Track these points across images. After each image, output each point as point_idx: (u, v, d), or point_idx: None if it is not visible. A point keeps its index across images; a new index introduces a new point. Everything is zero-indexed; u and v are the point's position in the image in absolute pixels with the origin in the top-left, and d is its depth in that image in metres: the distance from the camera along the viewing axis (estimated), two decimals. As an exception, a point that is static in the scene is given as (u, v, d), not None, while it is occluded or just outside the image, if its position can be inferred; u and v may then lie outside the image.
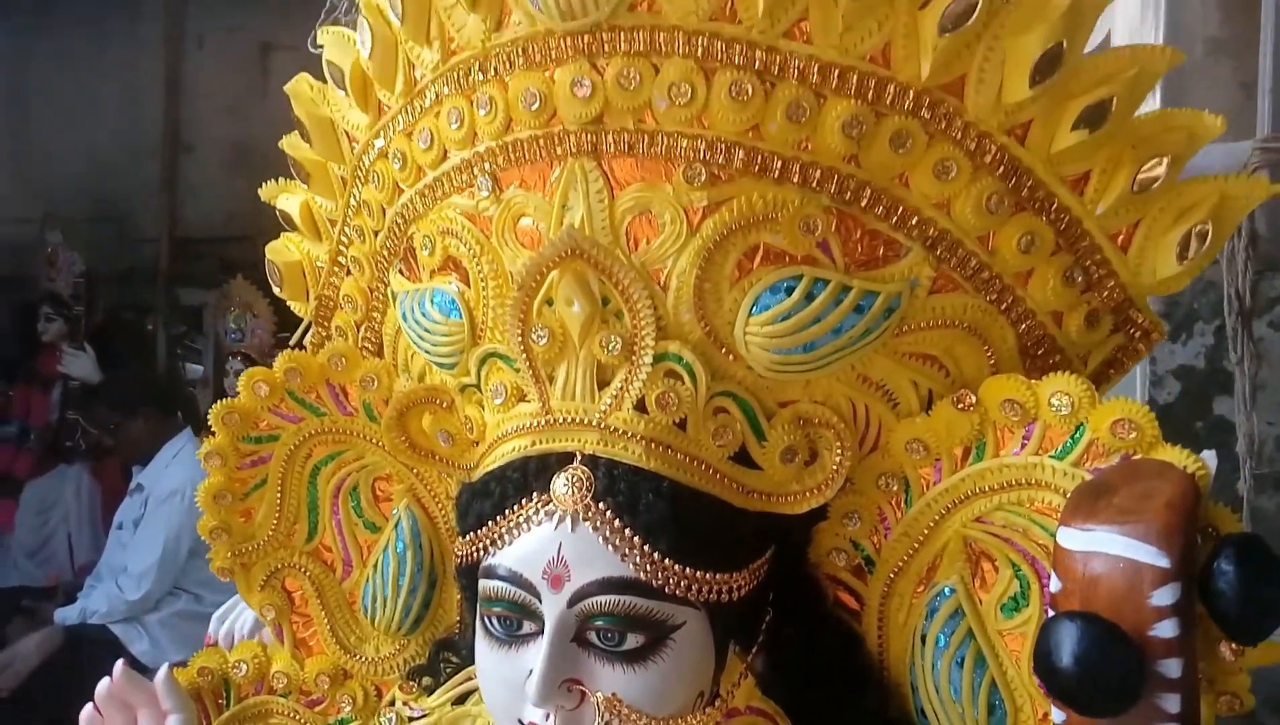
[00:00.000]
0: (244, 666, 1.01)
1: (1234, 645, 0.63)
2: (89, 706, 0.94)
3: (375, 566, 0.96)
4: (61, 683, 3.56)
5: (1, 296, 5.87)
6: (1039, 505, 0.72)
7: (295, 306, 1.06)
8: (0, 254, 5.79)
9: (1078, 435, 0.70)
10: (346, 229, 0.96)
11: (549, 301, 0.76)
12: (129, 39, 5.54)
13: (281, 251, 1.05)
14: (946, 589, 0.76)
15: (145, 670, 3.43)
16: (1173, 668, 0.59)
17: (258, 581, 0.99)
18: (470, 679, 0.88)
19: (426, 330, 0.84)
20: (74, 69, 5.53)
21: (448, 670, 0.91)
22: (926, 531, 0.77)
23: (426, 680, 0.91)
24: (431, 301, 0.83)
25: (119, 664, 0.94)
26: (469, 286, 0.81)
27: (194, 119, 5.62)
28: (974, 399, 0.74)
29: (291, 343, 1.06)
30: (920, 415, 0.76)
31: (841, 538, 0.80)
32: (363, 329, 1.00)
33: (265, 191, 1.06)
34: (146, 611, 3.70)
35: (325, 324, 1.04)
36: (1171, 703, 0.59)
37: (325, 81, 0.92)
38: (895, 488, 0.78)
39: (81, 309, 5.10)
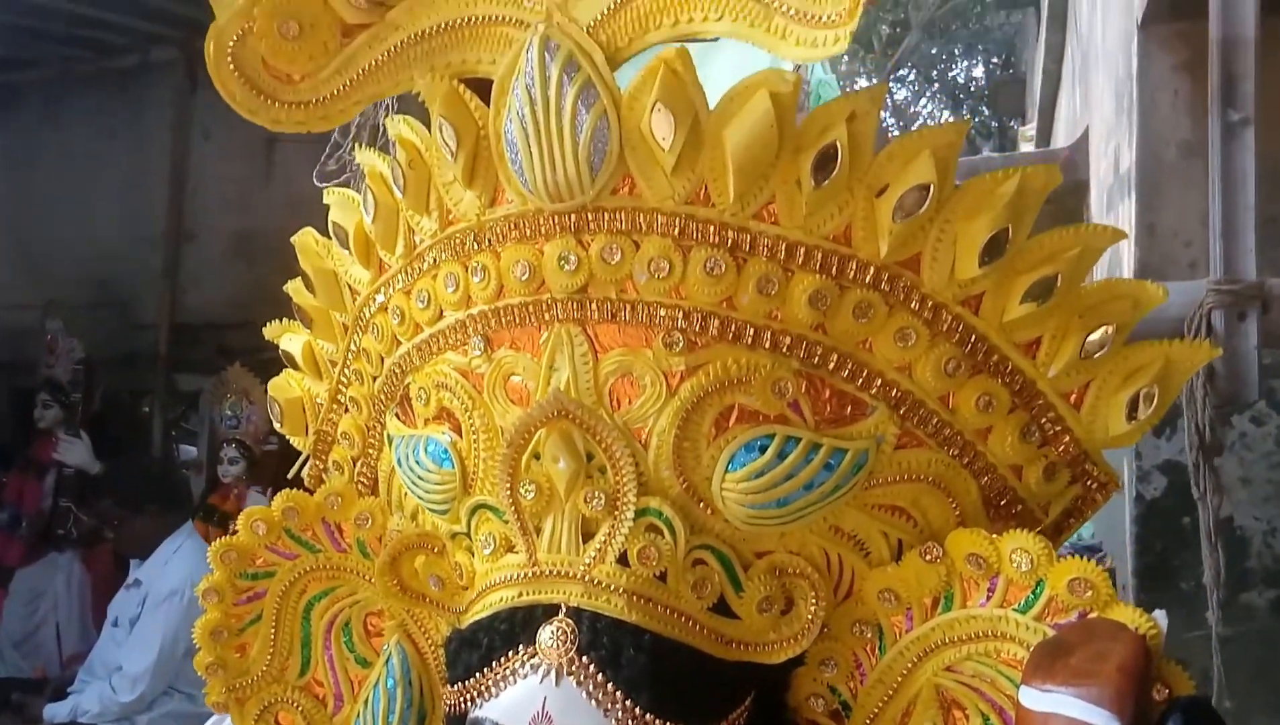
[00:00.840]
0: (234, 800, 1.02)
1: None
2: None
3: (366, 702, 0.99)
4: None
5: (0, 383, 5.92)
6: (1005, 657, 0.75)
7: (295, 441, 1.10)
8: (0, 340, 5.85)
9: (1038, 591, 0.74)
10: (346, 371, 1.01)
11: (536, 456, 0.80)
12: (136, 131, 5.69)
13: (283, 388, 1.09)
14: (920, 736, 0.79)
15: (134, 769, 3.25)
16: (1128, 828, 0.62)
17: (251, 716, 1.01)
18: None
19: (420, 477, 0.88)
20: (81, 161, 5.67)
21: None
22: (900, 678, 0.80)
23: None
24: (425, 450, 0.87)
25: None
26: (461, 437, 0.85)
27: (197, 208, 5.74)
28: (940, 552, 0.78)
29: (290, 475, 1.10)
30: (891, 565, 0.80)
31: (819, 683, 0.83)
32: (359, 464, 1.04)
33: (269, 331, 1.11)
34: (139, 712, 3.65)
35: (323, 457, 1.08)
36: None
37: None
38: (869, 635, 0.81)
39: (79, 396, 5.13)
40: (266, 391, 4.00)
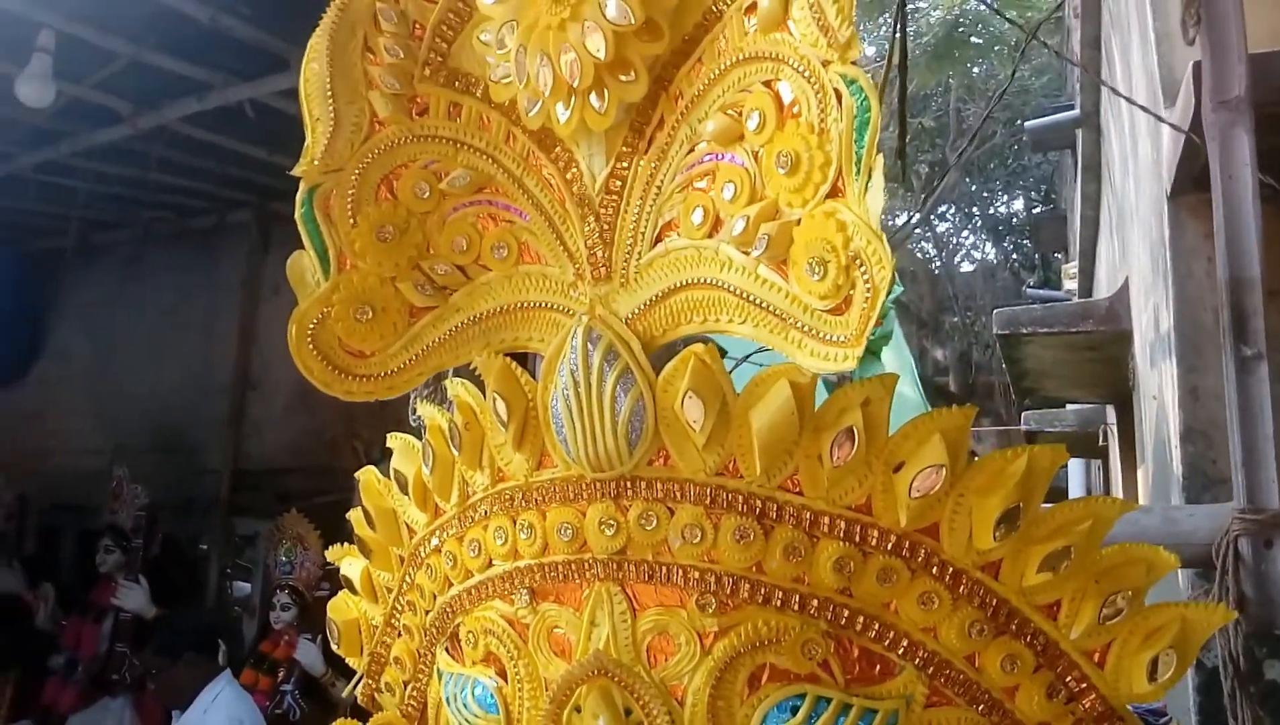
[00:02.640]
0: None
1: None
2: None
3: None
4: None
5: (66, 526, 6.10)
6: None
7: (351, 661, 1.15)
8: (69, 484, 6.07)
9: None
10: (400, 599, 1.07)
11: (577, 709, 0.84)
12: (209, 286, 6.01)
13: (341, 610, 1.15)
14: None
15: None
16: None
17: None
18: None
19: (468, 720, 0.93)
20: (156, 314, 5.98)
21: None
22: None
23: None
24: (473, 694, 0.92)
25: None
26: (506, 683, 0.90)
27: (263, 359, 5.98)
28: None
29: (345, 694, 1.16)
30: None
31: None
32: (409, 688, 1.08)
33: (331, 554, 1.18)
34: None
35: (376, 678, 1.13)
36: None
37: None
38: None
39: (140, 542, 5.25)
40: (320, 536, 4.08)
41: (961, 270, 13.91)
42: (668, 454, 0.84)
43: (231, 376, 5.99)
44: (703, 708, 0.81)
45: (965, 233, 14.52)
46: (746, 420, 0.81)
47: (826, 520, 0.81)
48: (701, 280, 0.84)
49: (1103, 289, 5.39)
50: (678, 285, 0.85)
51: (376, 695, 1.12)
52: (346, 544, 1.18)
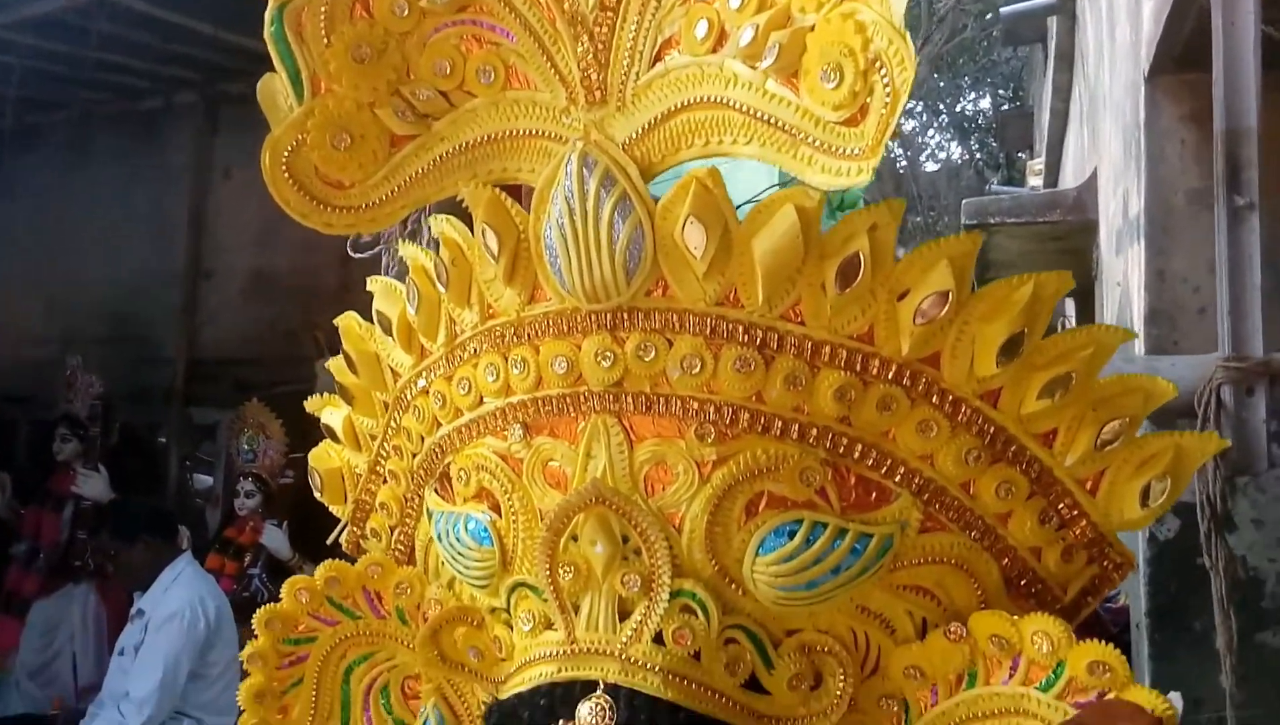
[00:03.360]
0: None
1: None
2: None
3: None
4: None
5: (20, 416, 5.99)
6: None
7: (334, 509, 1.14)
8: (21, 374, 5.94)
9: (1058, 671, 0.77)
10: (385, 445, 1.05)
11: (574, 538, 0.84)
12: (158, 172, 5.80)
13: (323, 459, 1.13)
14: (948, 810, 0.82)
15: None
16: None
17: (294, 776, 1.04)
18: None
19: (460, 553, 0.92)
20: (103, 200, 5.78)
21: None
22: None
23: None
24: (466, 528, 0.91)
25: None
26: (500, 517, 0.89)
27: (216, 247, 5.83)
28: (964, 631, 0.81)
29: (329, 541, 1.15)
30: (916, 642, 0.83)
31: (848, 755, 0.86)
32: (396, 533, 1.08)
33: (310, 404, 1.15)
34: (150, 736, 3.67)
35: (361, 525, 1.12)
36: None
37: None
38: (895, 709, 0.84)
39: (97, 430, 5.19)
40: (283, 426, 4.06)
41: (926, 170, 13.87)
42: (666, 284, 0.82)
43: (183, 264, 5.85)
44: (700, 534, 0.81)
45: (931, 132, 14.43)
46: (749, 247, 0.78)
47: (828, 350, 0.80)
48: (704, 99, 0.80)
49: (1069, 183, 5.40)
50: (678, 106, 0.81)
51: (362, 542, 1.11)
52: (326, 395, 1.15)
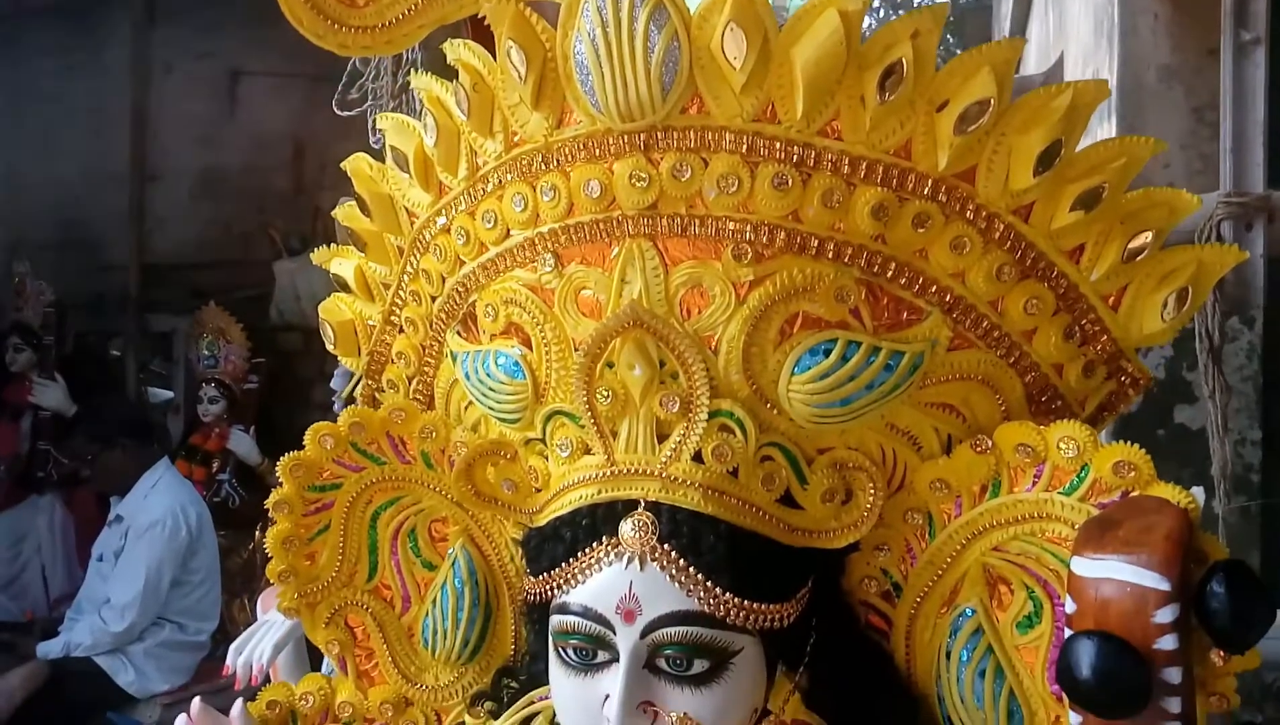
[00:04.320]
0: (310, 699, 1.08)
1: (1222, 654, 0.74)
2: None
3: (434, 601, 1.04)
4: (48, 717, 3.55)
5: (-34, 328, 5.80)
6: (1050, 535, 0.82)
7: (346, 361, 1.13)
8: (-35, 284, 5.72)
9: (1083, 474, 0.80)
10: (401, 293, 1.04)
11: (610, 365, 0.84)
12: (96, 68, 5.52)
13: (334, 311, 1.12)
14: (968, 610, 0.86)
15: (132, 701, 3.44)
16: (1174, 675, 0.69)
17: (322, 619, 1.06)
18: (533, 704, 0.96)
19: (491, 389, 0.92)
20: (40, 99, 5.51)
21: (509, 694, 0.99)
22: (949, 560, 0.86)
23: (489, 705, 0.99)
24: (496, 363, 0.91)
25: (195, 700, 1.00)
26: (531, 350, 0.90)
27: (161, 147, 5.61)
28: (990, 443, 0.84)
29: (343, 396, 1.15)
30: (941, 457, 0.86)
31: (872, 567, 0.89)
32: (414, 383, 1.07)
33: (318, 256, 1.13)
34: (131, 642, 3.70)
35: (376, 377, 1.12)
36: (1174, 704, 0.69)
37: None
38: (920, 522, 0.87)
39: (51, 339, 5.06)
40: (243, 330, 4.00)
41: (881, 68, 13.65)
42: (702, 100, 0.81)
43: (129, 167, 5.63)
44: (737, 355, 0.82)
45: (886, 29, 14.19)
46: (788, 57, 0.78)
47: (865, 165, 0.80)
48: None
49: (1031, 71, 5.38)
50: None
51: (377, 395, 1.11)
52: (333, 246, 1.13)
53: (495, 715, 0.98)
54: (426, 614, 1.05)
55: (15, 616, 4.75)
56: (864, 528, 0.86)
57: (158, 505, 3.81)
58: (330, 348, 1.13)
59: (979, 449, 0.84)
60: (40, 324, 5.06)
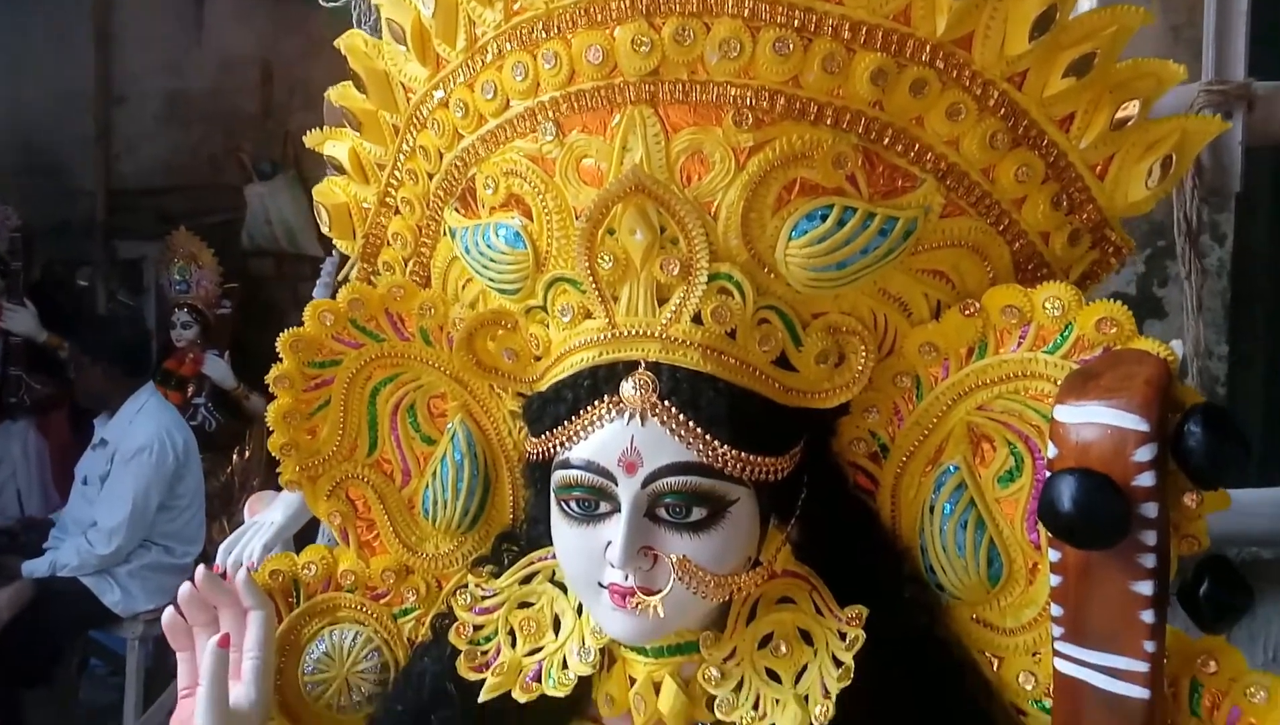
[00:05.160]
0: (313, 568, 1.11)
1: (1195, 495, 0.79)
2: (170, 609, 1.01)
3: (434, 474, 1.07)
4: (32, 634, 3.59)
5: (-69, 254, 5.68)
6: (1033, 393, 0.86)
7: (342, 245, 1.14)
8: (-72, 211, 5.59)
9: (1066, 332, 0.84)
10: (397, 172, 1.05)
11: (610, 231, 0.86)
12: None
13: (328, 194, 1.13)
14: (951, 467, 0.90)
15: (116, 620, 3.51)
16: (1151, 509, 0.73)
17: (324, 492, 1.09)
18: (533, 564, 1.00)
19: (491, 260, 0.93)
20: (2, 22, 5.33)
21: (509, 557, 1.02)
22: (935, 421, 0.90)
23: (490, 568, 1.03)
24: (497, 234, 0.93)
25: (200, 567, 1.03)
26: (532, 221, 0.91)
27: (126, 70, 5.48)
28: (978, 306, 0.87)
29: (340, 277, 1.15)
30: (931, 322, 0.89)
31: (861, 429, 0.93)
32: (410, 264, 1.09)
33: (310, 139, 1.13)
34: (117, 564, 3.73)
35: (372, 260, 1.13)
36: (1150, 537, 0.74)
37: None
38: (908, 384, 0.91)
39: (19, 265, 4.98)
40: (214, 255, 3.95)
41: None
42: None
43: (93, 89, 5.49)
44: (736, 221, 0.84)
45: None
46: None
47: (865, 30, 0.81)
48: None
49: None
50: None
51: (373, 278, 1.12)
52: (326, 128, 1.13)
53: (496, 576, 1.01)
54: (427, 486, 1.08)
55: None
56: (855, 389, 0.89)
57: (144, 430, 3.83)
58: (325, 231, 1.14)
59: (967, 312, 0.87)
60: (7, 250, 4.98)
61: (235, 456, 4.67)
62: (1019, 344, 0.86)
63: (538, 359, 0.95)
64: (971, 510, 0.89)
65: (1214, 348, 2.71)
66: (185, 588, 1.01)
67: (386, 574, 1.10)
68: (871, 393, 0.91)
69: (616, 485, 0.84)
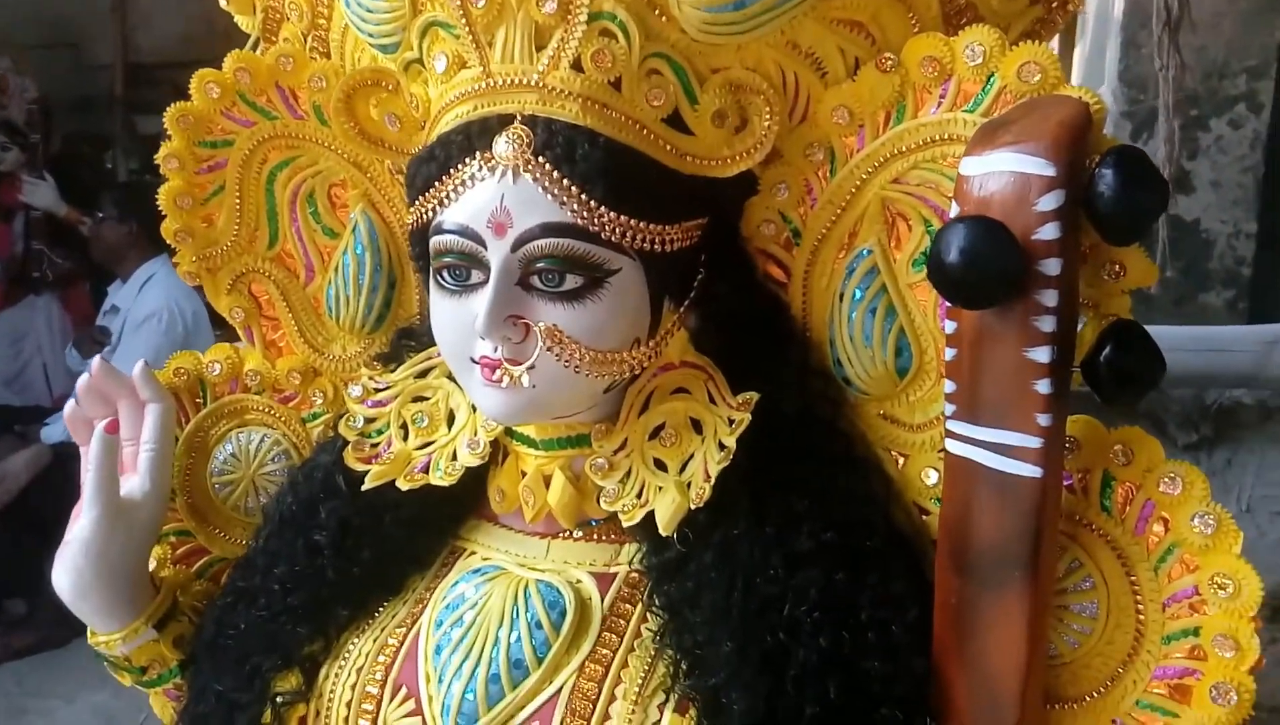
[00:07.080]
0: (218, 366, 1.07)
1: (1116, 269, 0.70)
2: (71, 401, 0.99)
3: (336, 269, 1.01)
4: (50, 497, 3.68)
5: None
6: (951, 160, 0.76)
7: (241, 21, 1.07)
8: (-53, 83, 5.59)
9: (989, 85, 0.74)
10: (289, -67, 0.96)
11: None
12: None
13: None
14: (864, 251, 0.82)
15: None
16: (1052, 266, 0.65)
17: (224, 286, 1.04)
18: (429, 358, 0.95)
19: (369, 10, 0.85)
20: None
21: (408, 354, 0.97)
22: (848, 198, 0.82)
23: (390, 364, 0.98)
24: None
25: (96, 359, 0.99)
26: None
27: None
28: (895, 61, 0.78)
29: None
30: (847, 82, 0.80)
31: (771, 210, 0.85)
32: (310, 38, 1.01)
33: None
34: (128, 428, 3.78)
35: (273, 38, 1.06)
36: (1049, 297, 0.65)
37: None
38: (821, 157, 0.82)
39: (38, 137, 4.98)
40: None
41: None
42: None
43: (109, -41, 5.40)
44: None
45: None
46: None
47: None
48: None
49: None
50: None
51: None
52: None
53: (394, 371, 0.96)
54: (330, 283, 1.03)
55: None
56: (757, 155, 0.80)
57: (153, 299, 3.86)
58: (223, 4, 1.06)
59: (883, 67, 0.78)
60: (26, 122, 4.97)
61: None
62: (939, 105, 0.77)
63: (423, 127, 0.87)
64: (882, 296, 0.81)
65: (1241, 225, 2.56)
66: (83, 379, 0.98)
67: (293, 375, 1.06)
68: (781, 167, 0.83)
69: (486, 250, 0.77)
